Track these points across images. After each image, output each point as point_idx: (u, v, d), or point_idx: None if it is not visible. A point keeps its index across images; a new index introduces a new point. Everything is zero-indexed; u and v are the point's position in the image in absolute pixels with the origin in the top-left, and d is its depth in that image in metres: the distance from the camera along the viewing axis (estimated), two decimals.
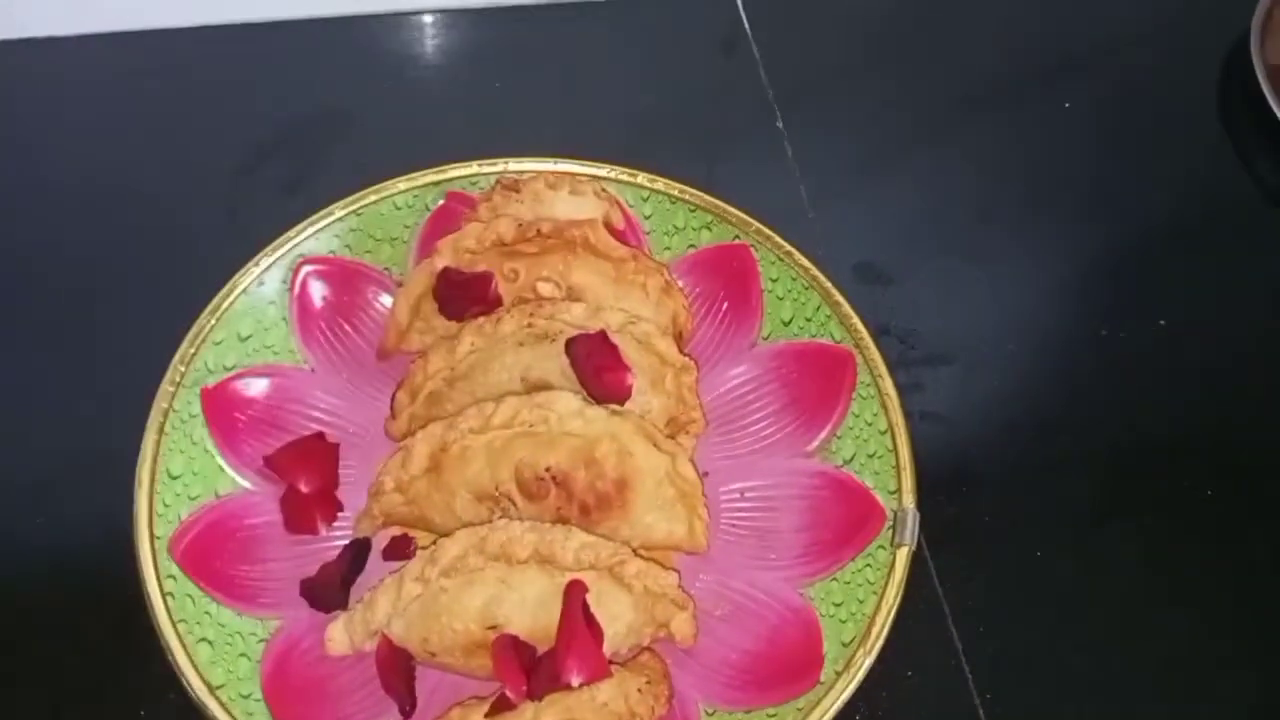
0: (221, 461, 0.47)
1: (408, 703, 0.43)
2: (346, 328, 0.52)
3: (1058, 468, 0.54)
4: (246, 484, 0.47)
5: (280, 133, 0.62)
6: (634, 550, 0.44)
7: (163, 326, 0.49)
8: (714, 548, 0.47)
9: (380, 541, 0.47)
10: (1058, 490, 0.54)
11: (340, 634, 0.44)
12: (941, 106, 0.67)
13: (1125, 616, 0.50)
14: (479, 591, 0.42)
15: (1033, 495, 0.53)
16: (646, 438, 0.45)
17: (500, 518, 0.44)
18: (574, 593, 0.42)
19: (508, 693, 0.41)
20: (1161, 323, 0.59)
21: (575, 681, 0.41)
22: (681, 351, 0.49)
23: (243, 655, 0.43)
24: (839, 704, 0.42)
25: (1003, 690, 0.48)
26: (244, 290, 0.50)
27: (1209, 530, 0.53)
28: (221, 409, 0.48)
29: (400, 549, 0.47)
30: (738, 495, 0.49)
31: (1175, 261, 0.62)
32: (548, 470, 0.44)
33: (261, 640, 0.44)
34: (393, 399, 0.49)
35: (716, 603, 0.46)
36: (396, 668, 0.43)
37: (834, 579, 0.46)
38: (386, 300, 0.52)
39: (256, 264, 0.50)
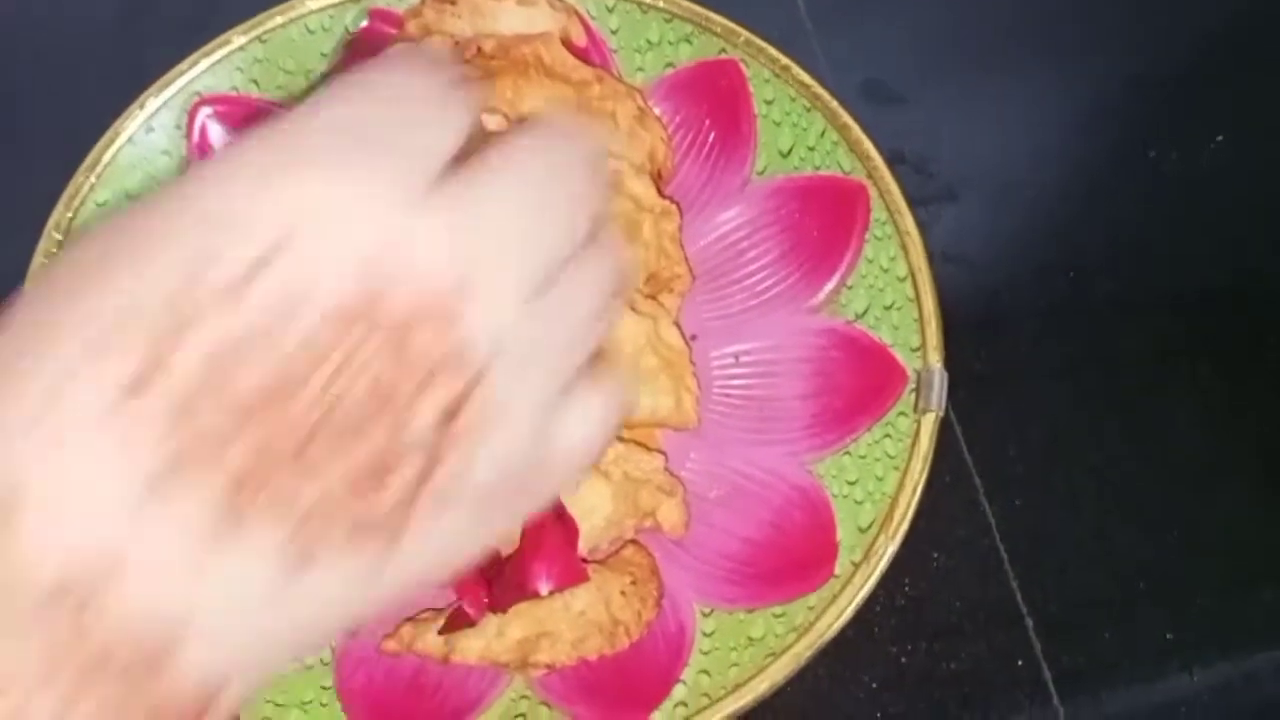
0: None
1: None
2: None
3: (1101, 315, 0.49)
4: None
5: None
6: None
7: (39, 191, 0.43)
8: (706, 422, 0.43)
9: None
10: (1101, 342, 0.49)
11: None
12: None
13: (1179, 487, 0.46)
14: None
15: (1073, 347, 0.49)
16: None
17: None
18: None
19: (465, 607, 0.36)
20: (1220, 138, 0.53)
21: (545, 589, 0.37)
22: (661, 193, 0.43)
23: None
24: (857, 601, 0.38)
25: (1042, 573, 0.44)
26: (130, 139, 0.44)
27: (1277, 386, 0.48)
28: None
29: None
30: (732, 360, 0.44)
31: (1232, 70, 0.55)
32: None
33: None
34: None
35: (711, 485, 0.42)
36: None
37: (847, 453, 0.41)
38: None
39: (141, 106, 0.44)
